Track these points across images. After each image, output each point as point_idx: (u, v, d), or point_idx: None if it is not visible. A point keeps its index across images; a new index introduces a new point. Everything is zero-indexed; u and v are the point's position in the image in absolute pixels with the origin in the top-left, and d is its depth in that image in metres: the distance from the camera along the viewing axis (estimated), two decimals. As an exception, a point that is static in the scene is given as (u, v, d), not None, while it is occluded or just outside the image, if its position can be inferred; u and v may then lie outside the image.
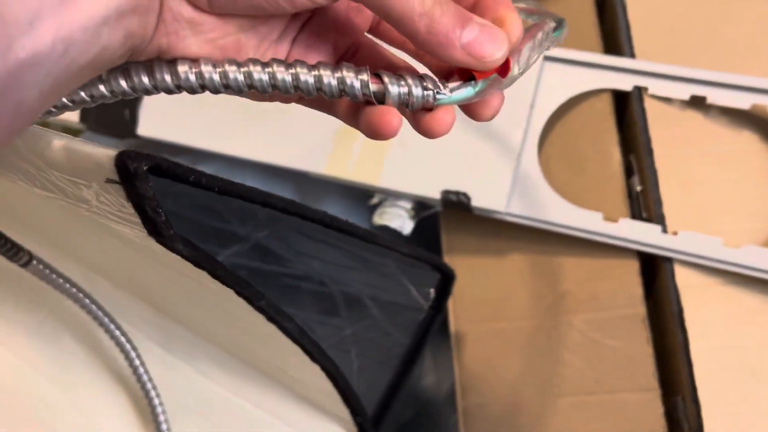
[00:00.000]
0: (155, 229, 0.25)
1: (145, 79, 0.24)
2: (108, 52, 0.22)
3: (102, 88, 0.24)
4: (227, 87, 0.24)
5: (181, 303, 0.43)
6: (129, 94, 0.24)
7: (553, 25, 0.28)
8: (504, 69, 0.25)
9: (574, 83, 0.57)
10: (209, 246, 0.52)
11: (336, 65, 0.25)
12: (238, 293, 0.30)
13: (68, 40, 0.20)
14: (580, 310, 0.56)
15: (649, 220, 0.55)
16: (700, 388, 0.50)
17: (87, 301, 0.38)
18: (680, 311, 0.52)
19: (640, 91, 0.56)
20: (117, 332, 0.41)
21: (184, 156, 0.70)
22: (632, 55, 0.59)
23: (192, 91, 0.25)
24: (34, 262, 0.33)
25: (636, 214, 0.55)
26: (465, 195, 0.55)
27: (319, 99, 0.29)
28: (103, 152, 0.25)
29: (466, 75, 0.25)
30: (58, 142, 0.26)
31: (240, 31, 0.25)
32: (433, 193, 0.56)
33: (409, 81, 0.24)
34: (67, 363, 0.55)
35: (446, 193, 0.55)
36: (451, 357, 0.59)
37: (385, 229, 0.58)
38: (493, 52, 0.23)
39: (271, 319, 0.32)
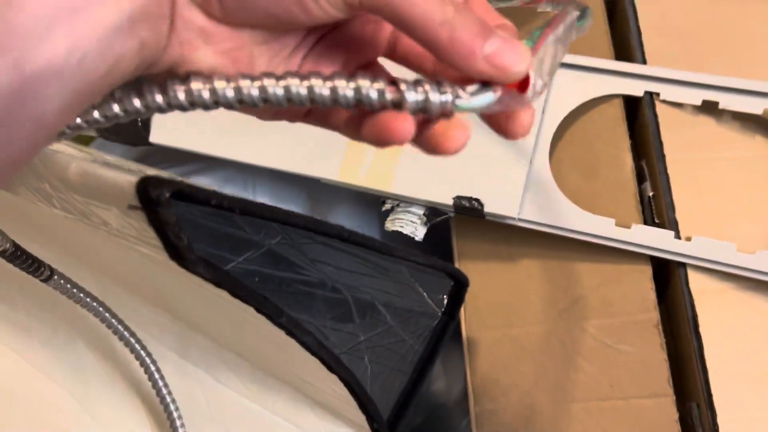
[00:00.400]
0: (177, 254, 0.25)
1: (159, 98, 0.24)
2: (123, 62, 0.22)
3: (115, 107, 0.24)
4: (242, 102, 0.24)
5: (197, 310, 0.44)
6: (143, 113, 0.24)
7: (576, 14, 0.27)
8: (523, 85, 0.24)
9: (585, 89, 0.57)
10: (222, 252, 0.52)
11: (350, 74, 0.24)
12: (258, 310, 0.30)
13: (83, 49, 0.20)
14: (593, 315, 0.56)
15: (661, 225, 0.55)
16: (715, 395, 0.50)
17: (107, 315, 0.39)
18: (694, 317, 0.52)
19: (651, 96, 0.56)
20: (137, 345, 0.41)
21: (196, 162, 0.70)
22: (643, 61, 0.59)
23: (206, 107, 0.24)
24: (56, 277, 0.34)
25: (648, 220, 0.55)
26: (477, 201, 0.55)
27: (318, 114, 0.29)
28: (124, 178, 0.25)
29: None
30: (78, 166, 0.26)
31: (253, 44, 0.25)
32: (446, 199, 0.56)
33: (426, 86, 0.24)
34: (81, 369, 0.56)
35: (458, 199, 0.56)
36: (462, 361, 0.60)
37: (398, 235, 0.58)
38: (516, 63, 0.23)
39: (290, 333, 0.32)
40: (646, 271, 0.55)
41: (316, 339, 0.33)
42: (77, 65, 0.20)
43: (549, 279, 0.57)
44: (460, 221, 0.60)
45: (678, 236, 0.53)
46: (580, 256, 0.56)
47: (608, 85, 0.57)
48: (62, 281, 0.36)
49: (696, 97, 0.55)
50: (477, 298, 0.58)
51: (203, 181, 0.71)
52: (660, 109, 0.56)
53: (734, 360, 0.51)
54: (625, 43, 0.61)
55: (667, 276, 0.55)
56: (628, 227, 0.54)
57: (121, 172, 0.25)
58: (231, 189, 0.72)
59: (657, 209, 0.56)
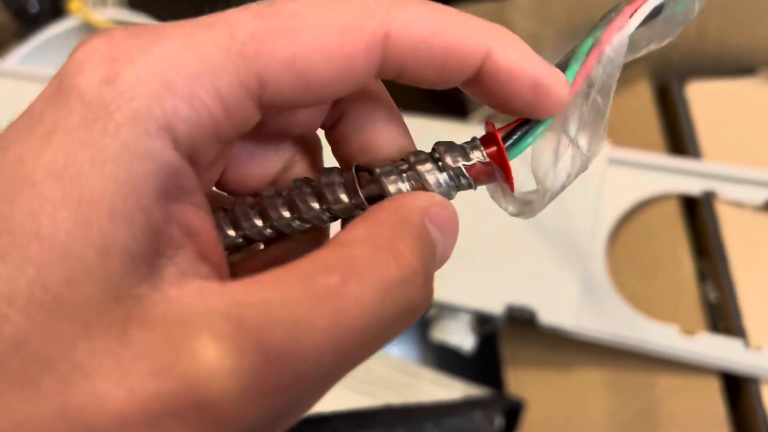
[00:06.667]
0: None
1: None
2: None
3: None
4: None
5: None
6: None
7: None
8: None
9: (639, 188, 0.55)
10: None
11: (311, 181, 0.20)
12: None
13: None
14: (658, 430, 0.51)
15: (728, 331, 0.51)
16: None
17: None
18: (771, 436, 0.48)
19: (709, 196, 0.53)
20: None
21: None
22: (698, 155, 0.56)
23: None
24: None
25: (714, 325, 0.52)
26: (529, 311, 0.52)
27: None
28: None
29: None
30: None
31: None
32: (495, 306, 0.53)
33: (424, 166, 0.19)
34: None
35: (510, 309, 0.52)
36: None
37: (443, 347, 0.54)
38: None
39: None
40: (715, 384, 0.51)
41: None
42: None
43: (608, 389, 0.53)
44: (508, 325, 0.57)
45: (747, 345, 0.50)
46: (641, 364, 0.53)
47: (663, 183, 0.55)
48: None
49: (758, 195, 0.52)
50: (531, 410, 0.55)
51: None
52: (720, 207, 0.53)
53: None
54: (678, 136, 0.58)
55: (738, 387, 0.51)
56: (692, 333, 0.51)
57: None
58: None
59: (722, 314, 0.52)
